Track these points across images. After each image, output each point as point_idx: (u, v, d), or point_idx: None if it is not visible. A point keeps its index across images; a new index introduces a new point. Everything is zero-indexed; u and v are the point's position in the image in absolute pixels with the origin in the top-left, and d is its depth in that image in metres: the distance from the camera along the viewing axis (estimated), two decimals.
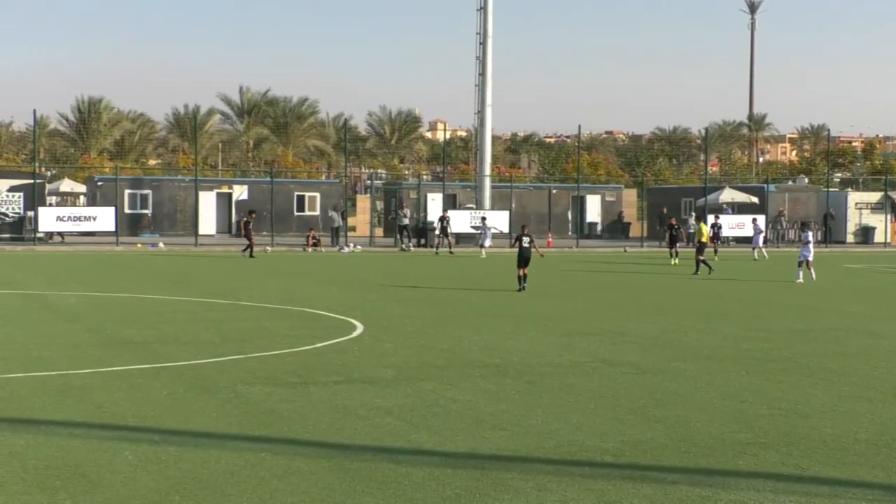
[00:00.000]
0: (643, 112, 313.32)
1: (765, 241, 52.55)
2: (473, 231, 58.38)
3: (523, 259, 30.21)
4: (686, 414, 13.01)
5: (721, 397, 14.17)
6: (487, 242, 52.40)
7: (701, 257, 39.29)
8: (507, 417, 12.65)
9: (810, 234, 35.99)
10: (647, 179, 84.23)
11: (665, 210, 64.56)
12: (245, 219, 47.24)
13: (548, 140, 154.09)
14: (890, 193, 69.57)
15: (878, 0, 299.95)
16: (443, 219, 54.35)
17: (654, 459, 10.78)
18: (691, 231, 45.63)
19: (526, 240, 30.41)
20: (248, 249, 45.29)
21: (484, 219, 54.96)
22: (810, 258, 34.58)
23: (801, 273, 34.34)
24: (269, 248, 52.18)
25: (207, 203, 65.74)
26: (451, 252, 52.15)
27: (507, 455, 10.85)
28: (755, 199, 66.99)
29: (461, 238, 57.99)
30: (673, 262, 44.05)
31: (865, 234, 67.83)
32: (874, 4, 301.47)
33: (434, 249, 53.83)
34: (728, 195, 68.37)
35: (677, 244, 45.41)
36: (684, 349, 18.88)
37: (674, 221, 47.28)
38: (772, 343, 19.90)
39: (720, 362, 17.36)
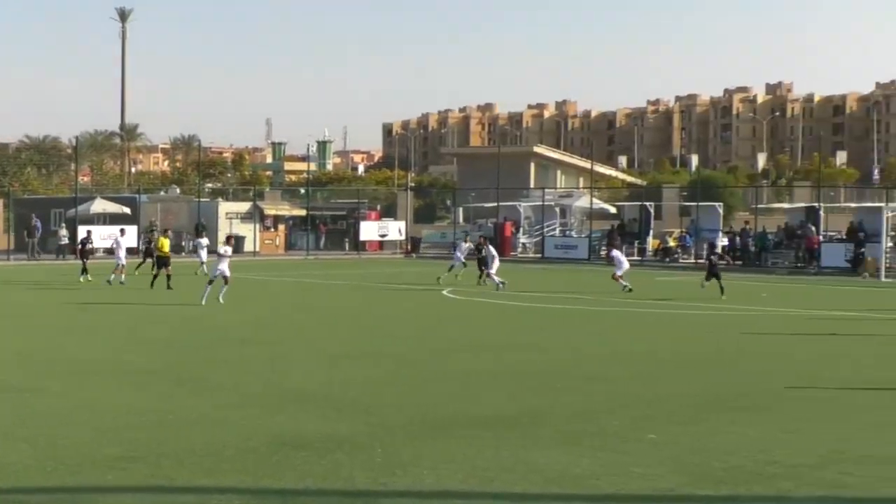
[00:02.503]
0: (10, 119, 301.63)
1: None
2: None
3: None
4: (54, 432, 12.61)
5: (92, 412, 13.89)
6: None
7: (167, 271, 35.46)
8: None
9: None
10: (15, 190, 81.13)
11: (34, 221, 62.37)
12: None
13: None
14: (258, 203, 72.16)
15: (270, 12, 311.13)
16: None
17: (18, 482, 10.33)
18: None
19: None
20: None
21: None
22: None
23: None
24: None
25: None
26: None
27: None
28: (127, 210, 66.77)
29: None
30: (81, 280, 39.31)
31: (237, 243, 69.80)
32: (255, 16, 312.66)
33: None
34: (100, 205, 67.57)
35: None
36: (58, 364, 18.38)
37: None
38: (149, 357, 19.79)
39: (96, 377, 17.07)
